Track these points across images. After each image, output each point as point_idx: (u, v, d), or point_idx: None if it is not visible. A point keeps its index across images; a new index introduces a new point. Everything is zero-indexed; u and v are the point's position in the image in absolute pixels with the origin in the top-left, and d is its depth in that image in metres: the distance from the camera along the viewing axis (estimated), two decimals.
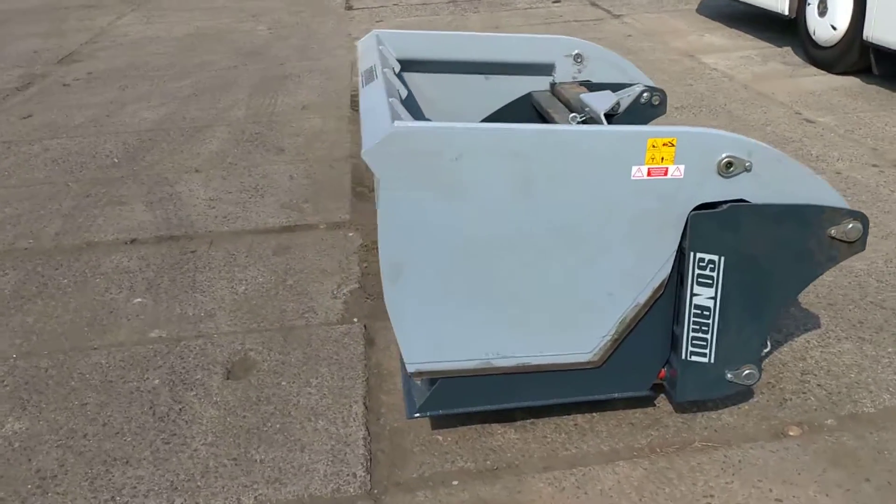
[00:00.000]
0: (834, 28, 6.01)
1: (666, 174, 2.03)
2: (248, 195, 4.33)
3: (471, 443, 2.41)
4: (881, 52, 5.65)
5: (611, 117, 2.82)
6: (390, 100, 2.24)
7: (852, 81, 5.95)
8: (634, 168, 2.02)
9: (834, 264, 2.18)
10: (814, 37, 6.28)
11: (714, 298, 2.15)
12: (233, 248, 3.73)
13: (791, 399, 2.53)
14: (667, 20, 8.41)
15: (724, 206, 2.06)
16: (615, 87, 3.22)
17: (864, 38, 5.64)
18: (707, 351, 2.21)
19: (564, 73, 3.32)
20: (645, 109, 2.85)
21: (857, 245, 2.13)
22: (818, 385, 2.59)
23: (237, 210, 4.14)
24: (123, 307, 3.27)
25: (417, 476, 2.29)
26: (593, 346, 2.23)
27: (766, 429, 2.41)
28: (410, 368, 2.21)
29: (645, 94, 2.80)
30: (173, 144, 5.18)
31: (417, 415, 2.31)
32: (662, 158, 2.01)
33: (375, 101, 2.28)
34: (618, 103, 2.78)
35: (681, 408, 2.49)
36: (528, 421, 2.47)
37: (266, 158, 4.87)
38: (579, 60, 3.33)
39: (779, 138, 4.82)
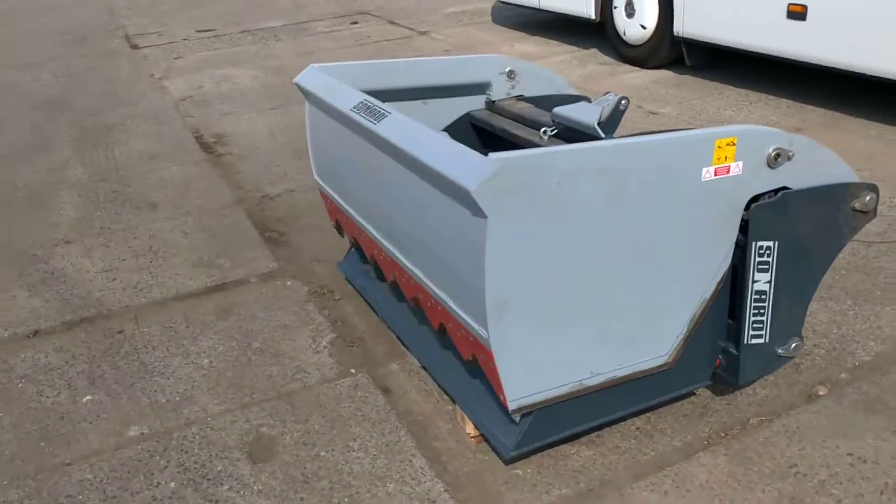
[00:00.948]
0: (644, 27, 6.61)
1: (728, 172, 2.14)
2: (148, 259, 3.89)
3: (552, 469, 2.36)
4: (691, 45, 6.31)
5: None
6: (442, 132, 2.14)
7: (667, 74, 6.58)
8: (704, 170, 2.11)
9: (855, 234, 2.42)
10: (624, 37, 6.86)
11: (770, 282, 2.29)
12: (166, 321, 3.33)
13: (802, 363, 2.76)
14: (475, 33, 8.74)
15: (778, 195, 2.21)
16: (547, 99, 3.32)
17: (675, 33, 6.27)
18: (763, 332, 2.35)
19: (500, 90, 3.35)
20: (618, 116, 2.96)
21: (871, 214, 2.38)
22: (814, 346, 2.85)
23: (145, 278, 3.70)
24: (75, 410, 2.80)
25: None
26: (669, 347, 2.28)
27: (798, 394, 2.62)
28: (512, 406, 2.12)
29: (623, 102, 2.92)
30: (19, 218, 4.51)
31: (515, 453, 2.22)
32: (726, 157, 2.11)
33: (425, 137, 2.17)
34: (601, 113, 2.86)
35: (718, 391, 2.63)
36: (593, 436, 2.47)
37: (142, 217, 4.39)
38: (512, 76, 3.38)
39: (640, 131, 5.22)
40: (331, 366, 2.95)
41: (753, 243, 2.23)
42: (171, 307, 3.44)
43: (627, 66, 6.91)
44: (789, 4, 5.24)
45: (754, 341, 2.36)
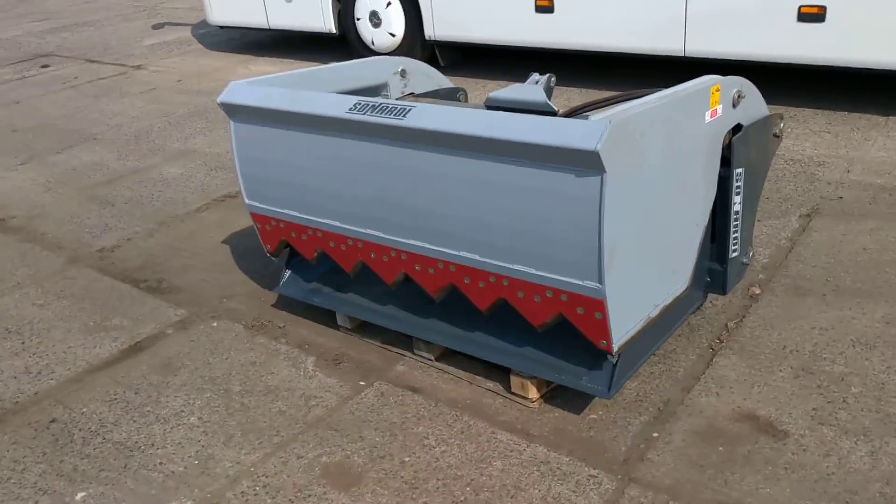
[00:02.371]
0: (393, 35, 6.98)
1: (715, 115, 2.55)
2: (18, 342, 3.28)
3: (618, 406, 2.58)
4: (444, 46, 6.82)
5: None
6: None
7: None
8: (707, 113, 2.49)
9: (774, 155, 2.99)
10: (373, 46, 7.17)
11: (741, 203, 2.76)
12: (103, 395, 2.88)
13: None
14: (196, 61, 8.40)
15: (744, 128, 2.68)
16: (434, 94, 3.52)
17: (427, 37, 6.73)
18: (737, 246, 2.82)
19: (395, 89, 3.46)
20: (549, 93, 3.22)
21: (781, 138, 2.97)
22: None
23: (33, 360, 3.13)
24: None
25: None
26: (688, 274, 2.64)
27: (742, 297, 3.15)
28: (615, 348, 2.31)
29: (552, 79, 3.18)
30: None
31: (613, 392, 2.41)
32: (715, 101, 2.52)
33: (498, 118, 2.24)
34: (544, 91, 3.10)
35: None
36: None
37: None
38: (405, 75, 3.50)
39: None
40: (338, 385, 2.83)
41: (734, 171, 2.68)
42: (96, 380, 2.98)
43: None
44: (536, 0, 5.97)
45: (733, 255, 2.82)
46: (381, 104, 2.49)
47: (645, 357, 2.60)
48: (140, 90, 7.38)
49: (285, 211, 2.96)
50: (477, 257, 2.44)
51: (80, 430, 2.71)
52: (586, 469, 2.33)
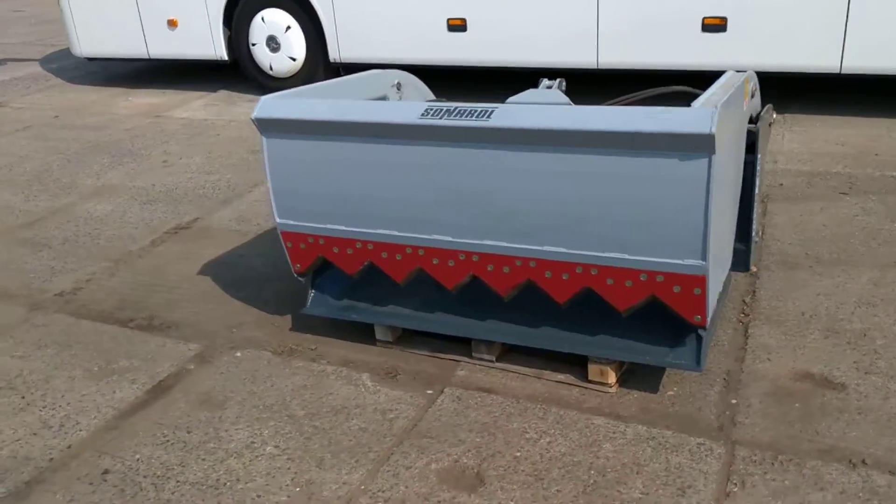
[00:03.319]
0: (293, 59, 6.89)
1: (746, 104, 2.81)
2: (19, 396, 2.94)
3: (693, 376, 2.75)
4: (350, 68, 6.81)
5: None
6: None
7: None
8: (744, 103, 2.74)
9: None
10: (271, 71, 7.03)
11: (758, 186, 3.04)
12: (150, 440, 2.66)
13: None
14: (67, 95, 7.85)
15: (761, 116, 2.96)
16: None
17: (332, 59, 6.71)
18: (754, 227, 3.10)
19: (393, 100, 3.48)
20: None
21: (774, 125, 3.30)
22: None
23: (48, 414, 2.82)
24: None
25: None
26: (731, 254, 2.87)
27: (745, 275, 3.43)
28: (708, 322, 2.47)
29: (562, 83, 3.30)
30: None
31: (704, 365, 2.56)
32: (746, 93, 2.78)
33: (593, 112, 2.34)
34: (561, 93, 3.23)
35: None
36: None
37: None
38: (399, 88, 3.53)
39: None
40: (407, 395, 2.79)
41: (757, 156, 2.94)
42: (133, 425, 2.74)
43: None
44: (449, 19, 6.14)
45: (754, 236, 3.09)
46: (455, 108, 2.52)
47: (713, 330, 2.78)
48: (15, 128, 6.77)
49: (328, 226, 2.88)
50: (564, 250, 2.52)
51: (143, 476, 2.48)
52: (691, 439, 2.47)
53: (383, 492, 2.34)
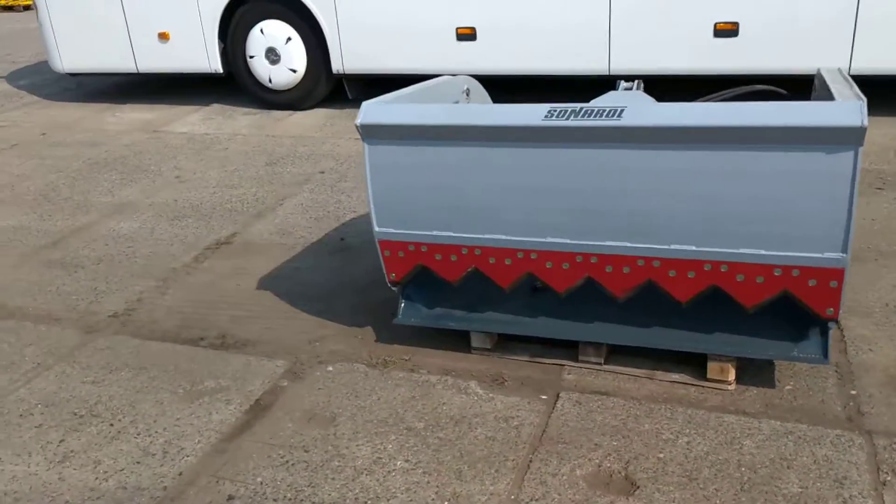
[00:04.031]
0: (294, 71, 6.78)
1: None
2: (109, 419, 2.78)
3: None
4: (352, 79, 6.74)
5: None
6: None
7: (335, 111, 6.88)
8: None
9: None
10: (270, 84, 6.90)
11: None
12: (271, 458, 2.54)
13: None
14: (49, 112, 7.62)
15: None
16: None
17: (335, 71, 6.62)
18: None
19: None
20: None
21: None
22: None
23: (151, 437, 2.68)
24: None
25: None
26: None
27: None
28: (839, 314, 2.49)
29: (641, 84, 3.32)
30: None
31: (829, 358, 2.58)
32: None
33: (740, 108, 2.35)
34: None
35: None
36: None
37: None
38: (468, 94, 3.50)
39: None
40: (524, 402, 2.74)
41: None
42: (243, 447, 2.62)
43: (282, 113, 6.95)
44: (458, 28, 6.12)
45: None
46: (580, 108, 2.50)
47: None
48: (0, 147, 6.46)
49: (433, 232, 2.82)
50: (692, 248, 2.52)
51: (273, 500, 2.37)
52: (828, 431, 2.48)
53: (535, 500, 2.29)
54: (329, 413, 2.76)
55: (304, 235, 4.30)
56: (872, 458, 2.36)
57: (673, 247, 2.54)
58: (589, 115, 2.47)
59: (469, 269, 2.86)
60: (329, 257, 4.01)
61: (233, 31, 6.84)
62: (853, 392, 2.67)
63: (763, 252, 2.45)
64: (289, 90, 6.86)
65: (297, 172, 5.34)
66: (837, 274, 2.40)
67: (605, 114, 2.46)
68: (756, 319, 2.67)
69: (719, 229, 2.47)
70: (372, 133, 2.75)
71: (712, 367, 2.72)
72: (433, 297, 3.09)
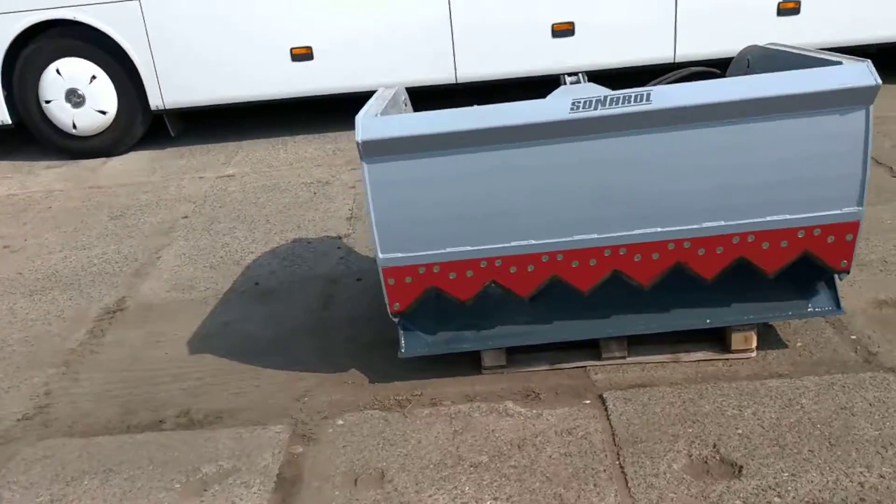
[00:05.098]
0: (103, 112, 6.03)
1: None
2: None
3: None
4: (171, 115, 6.12)
5: None
6: None
7: (158, 151, 6.20)
8: None
9: None
10: (75, 130, 6.08)
11: None
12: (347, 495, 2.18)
13: None
14: None
15: None
16: None
17: (154, 107, 5.99)
18: None
19: None
20: None
21: None
22: None
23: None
24: None
25: None
26: None
27: None
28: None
29: (585, 76, 3.27)
30: None
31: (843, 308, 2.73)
32: None
33: (756, 79, 2.40)
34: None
35: None
36: None
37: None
38: (406, 104, 3.31)
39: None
40: (574, 411, 2.61)
41: None
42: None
43: (97, 159, 6.13)
44: (293, 48, 5.81)
45: None
46: (604, 97, 2.43)
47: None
48: None
49: (447, 249, 2.59)
50: (722, 223, 2.55)
51: None
52: (861, 375, 2.64)
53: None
54: (374, 470, 2.43)
55: (208, 287, 3.79)
56: None
57: (704, 225, 2.56)
58: (616, 103, 2.41)
59: (486, 284, 2.67)
60: (254, 305, 3.57)
61: (19, 76, 5.91)
62: (853, 337, 2.87)
63: (787, 217, 2.54)
64: (99, 134, 6.07)
65: (155, 222, 4.72)
66: (853, 227, 2.55)
67: (632, 99, 2.41)
68: (764, 285, 2.76)
69: (746, 201, 2.53)
70: (373, 150, 2.47)
71: (736, 338, 2.78)
72: (428, 323, 2.85)
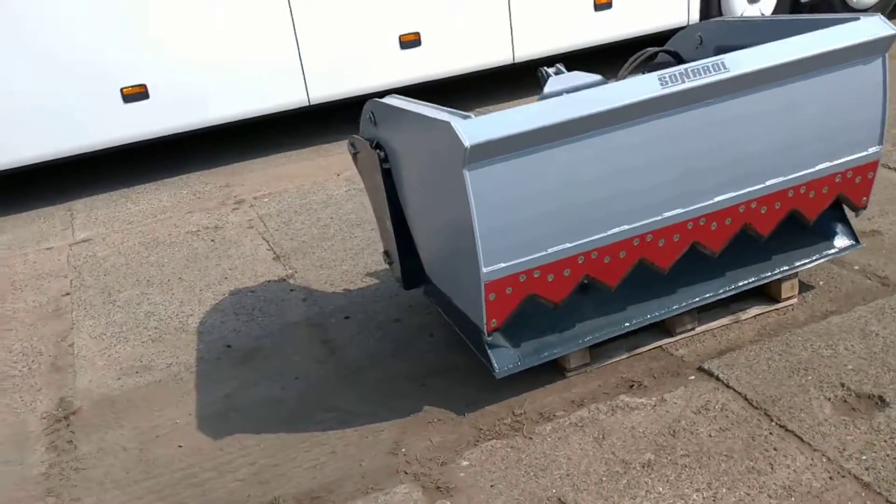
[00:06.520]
0: None
1: None
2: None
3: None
4: None
5: None
6: None
7: None
8: None
9: None
10: None
11: None
12: None
13: None
14: None
15: None
16: None
17: None
18: None
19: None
20: None
21: None
22: None
23: None
24: None
25: None
26: None
27: None
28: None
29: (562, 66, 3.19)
30: None
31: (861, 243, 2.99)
32: None
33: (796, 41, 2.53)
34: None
35: None
36: None
37: None
38: None
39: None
40: (688, 390, 2.58)
41: None
42: None
43: None
44: (123, 88, 5.10)
45: None
46: (685, 69, 2.43)
47: None
48: None
49: (548, 250, 2.42)
50: (782, 178, 2.68)
51: None
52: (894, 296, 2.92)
53: (853, 453, 2.22)
54: (550, 499, 2.20)
55: (168, 363, 3.18)
56: None
57: (768, 182, 2.67)
58: (698, 74, 2.43)
59: (581, 280, 2.55)
60: (243, 369, 3.07)
61: None
62: (856, 268, 3.17)
63: (829, 164, 2.74)
64: None
65: (29, 308, 3.83)
66: (874, 165, 2.83)
67: (710, 68, 2.44)
68: (796, 235, 2.93)
69: (797, 155, 2.68)
70: (480, 154, 2.23)
71: (785, 287, 2.94)
72: (509, 336, 2.66)
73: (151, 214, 4.86)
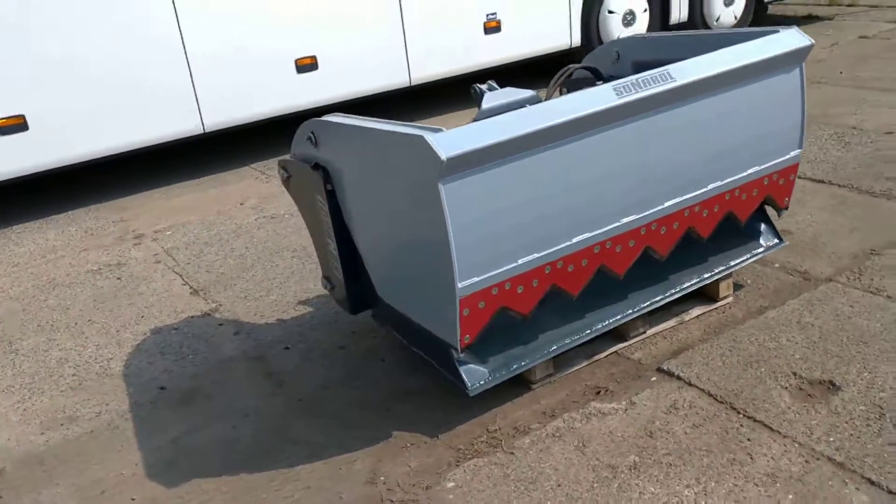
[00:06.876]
0: None
1: None
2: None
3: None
4: None
5: None
6: None
7: None
8: None
9: None
10: None
11: None
12: None
13: None
14: None
15: None
16: None
17: None
18: None
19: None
20: None
21: None
22: None
23: None
24: None
25: None
26: None
27: None
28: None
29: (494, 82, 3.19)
30: None
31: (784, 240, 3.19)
32: None
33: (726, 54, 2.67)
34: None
35: None
36: None
37: None
38: None
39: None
40: (653, 392, 2.64)
41: None
42: None
43: None
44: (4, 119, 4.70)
45: None
46: (636, 80, 2.51)
47: None
48: None
49: (518, 261, 2.42)
50: (719, 183, 2.81)
51: None
52: (820, 289, 3.12)
53: (822, 434, 2.34)
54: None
55: (97, 412, 2.92)
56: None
57: (709, 187, 2.79)
58: (648, 84, 2.51)
59: (547, 290, 2.56)
60: (185, 411, 2.86)
61: None
62: (777, 265, 3.38)
63: (758, 168, 2.91)
64: None
65: None
66: (796, 168, 3.03)
67: (657, 79, 2.53)
68: (727, 238, 3.09)
69: (732, 160, 2.83)
70: (455, 167, 2.20)
71: (722, 287, 3.08)
72: (476, 352, 2.63)
73: (40, 255, 4.47)
